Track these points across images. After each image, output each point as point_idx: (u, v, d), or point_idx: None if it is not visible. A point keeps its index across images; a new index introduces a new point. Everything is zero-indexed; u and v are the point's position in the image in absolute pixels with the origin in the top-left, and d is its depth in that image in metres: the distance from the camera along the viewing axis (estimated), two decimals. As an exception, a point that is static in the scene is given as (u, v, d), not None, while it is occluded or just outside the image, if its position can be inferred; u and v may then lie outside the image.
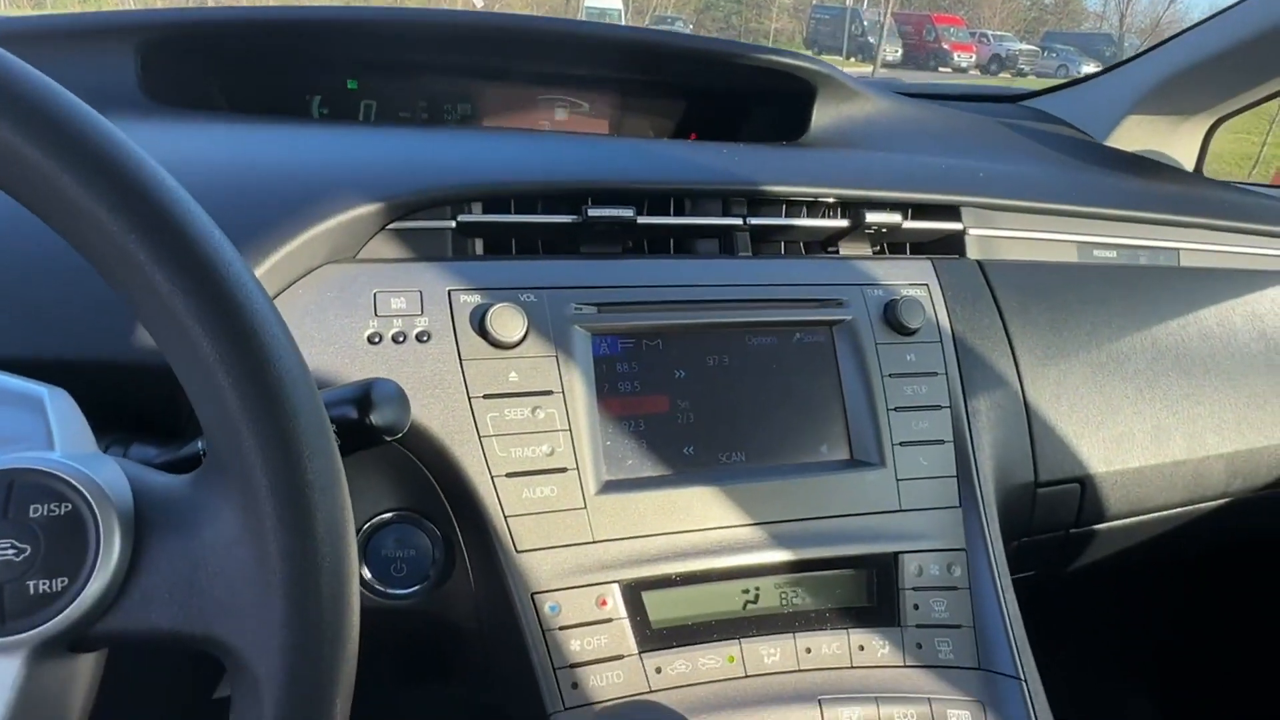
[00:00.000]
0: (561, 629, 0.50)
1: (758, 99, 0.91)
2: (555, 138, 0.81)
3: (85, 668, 0.31)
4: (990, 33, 24.62)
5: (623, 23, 21.18)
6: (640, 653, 0.51)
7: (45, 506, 0.29)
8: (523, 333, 0.54)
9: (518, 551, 0.51)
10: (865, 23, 24.21)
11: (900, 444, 0.60)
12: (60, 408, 0.32)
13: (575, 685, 0.49)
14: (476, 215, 0.59)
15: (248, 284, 0.30)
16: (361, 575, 0.52)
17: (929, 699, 0.52)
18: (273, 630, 0.29)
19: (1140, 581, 1.19)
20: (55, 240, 0.30)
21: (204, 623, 0.30)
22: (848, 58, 20.99)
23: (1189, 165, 1.05)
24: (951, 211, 0.71)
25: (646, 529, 0.53)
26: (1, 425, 0.31)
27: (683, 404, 0.58)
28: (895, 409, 0.61)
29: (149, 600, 0.30)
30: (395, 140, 0.68)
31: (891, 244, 0.72)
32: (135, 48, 0.69)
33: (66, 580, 0.29)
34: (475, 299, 0.55)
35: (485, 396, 0.53)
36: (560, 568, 0.51)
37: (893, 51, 21.46)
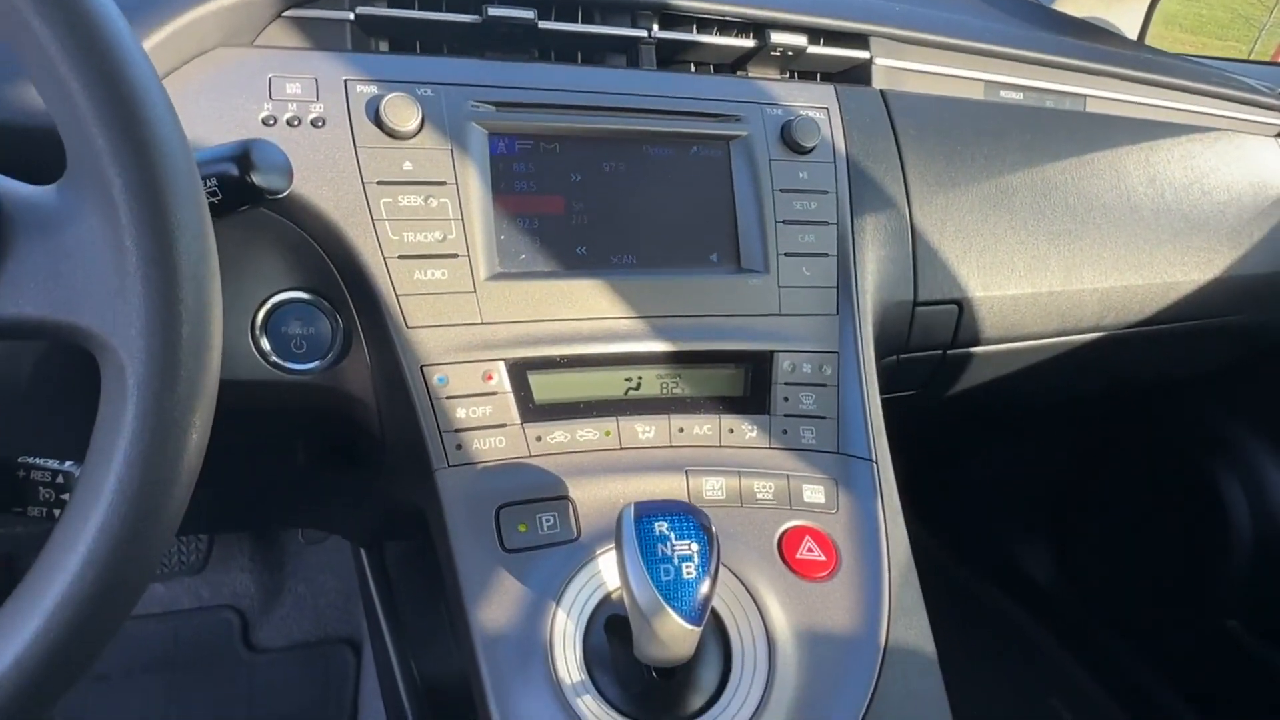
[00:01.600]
0: (449, 398, 0.54)
1: None
2: None
3: None
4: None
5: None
6: (522, 423, 0.55)
7: None
8: (417, 124, 0.55)
9: (408, 327, 0.54)
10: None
11: (785, 254, 0.63)
12: None
13: (459, 447, 0.53)
14: (377, 8, 0.59)
15: (109, 7, 0.32)
16: (263, 350, 0.55)
17: (787, 475, 0.58)
18: (132, 315, 0.32)
19: (1033, 428, 1.27)
20: None
21: (69, 309, 0.33)
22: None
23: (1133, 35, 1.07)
24: (859, 40, 0.72)
25: (534, 315, 0.57)
26: None
27: (577, 206, 0.60)
28: (783, 221, 0.64)
29: (17, 290, 0.33)
30: None
31: (801, 72, 0.74)
32: None
33: None
34: (371, 90, 0.56)
35: (379, 183, 0.55)
36: (449, 344, 0.55)
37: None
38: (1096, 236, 0.77)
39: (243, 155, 0.44)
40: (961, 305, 0.72)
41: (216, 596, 1.27)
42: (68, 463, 0.42)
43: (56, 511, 0.42)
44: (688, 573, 0.43)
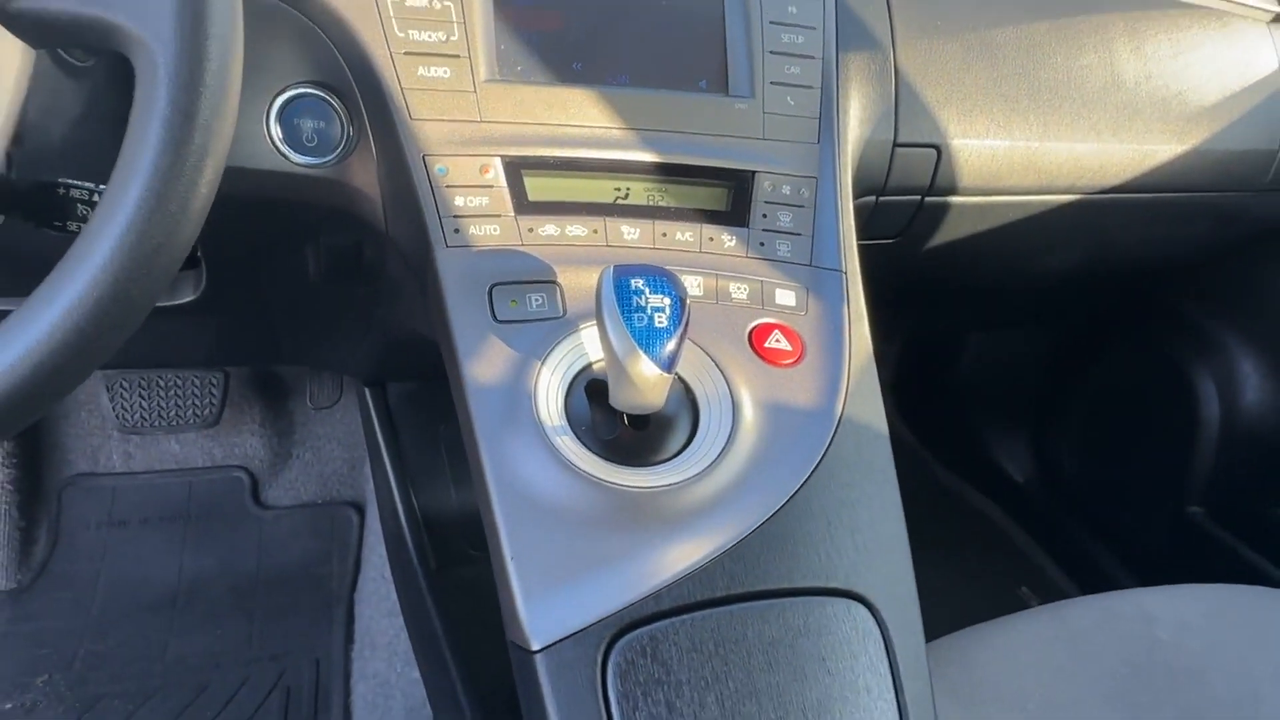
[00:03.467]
0: (448, 187, 0.58)
1: None
2: None
3: (14, 50, 0.38)
4: None
5: None
6: (515, 215, 0.59)
7: None
8: None
9: (412, 119, 0.58)
10: None
11: (772, 83, 0.67)
12: None
13: (457, 231, 0.58)
14: None
15: None
16: (276, 140, 0.59)
17: (761, 280, 0.62)
18: (164, 9, 0.36)
19: (1012, 319, 1.31)
20: None
21: (101, 4, 0.37)
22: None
23: None
24: None
25: (530, 119, 0.61)
26: None
27: (575, 23, 0.64)
28: (771, 52, 0.67)
29: None
30: None
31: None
32: None
33: None
34: None
35: None
36: (449, 137, 0.59)
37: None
38: (1077, 98, 0.80)
39: None
40: (940, 150, 0.75)
41: (229, 457, 1.33)
42: (103, 186, 0.46)
43: None
44: (659, 322, 0.48)
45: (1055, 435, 1.42)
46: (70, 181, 0.46)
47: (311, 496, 1.35)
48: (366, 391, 1.04)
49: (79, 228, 0.46)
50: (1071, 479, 1.40)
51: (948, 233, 0.84)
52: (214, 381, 1.27)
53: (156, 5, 0.36)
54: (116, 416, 1.23)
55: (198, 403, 1.28)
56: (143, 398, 1.22)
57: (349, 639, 1.15)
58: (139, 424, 1.24)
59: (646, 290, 0.48)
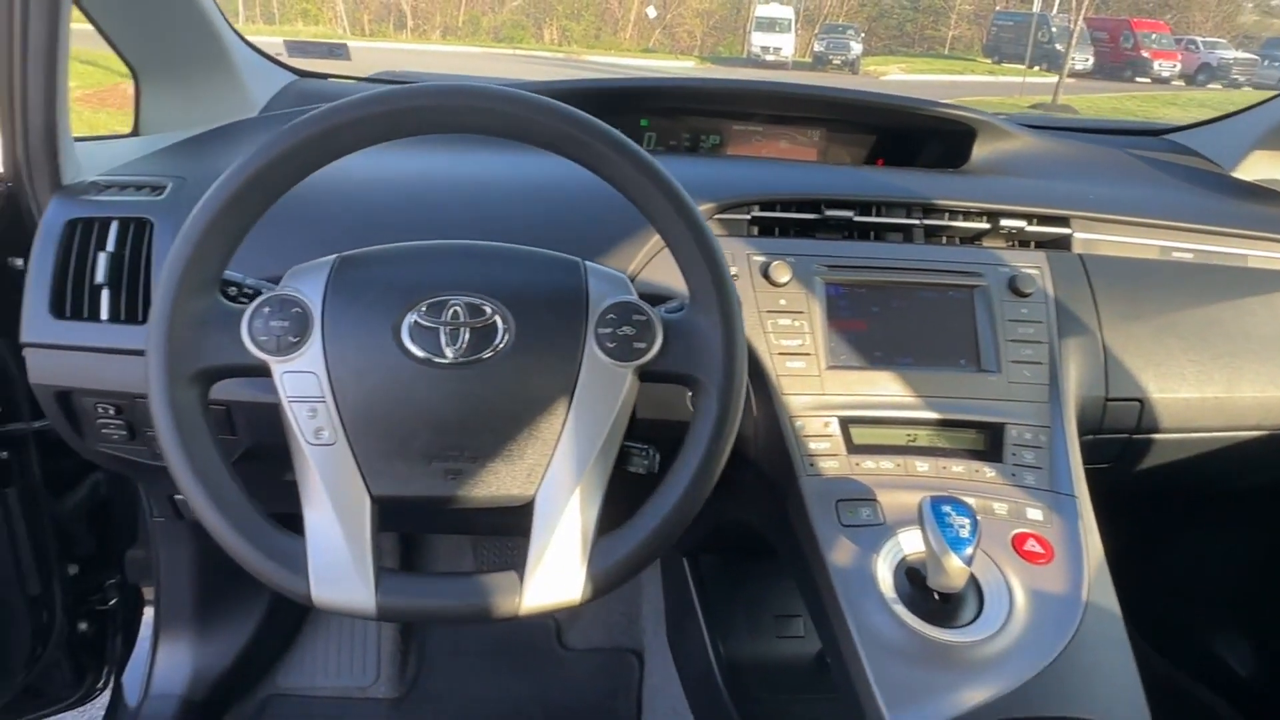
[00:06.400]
0: (803, 436, 0.92)
1: (931, 135, 1.30)
2: (802, 166, 1.24)
3: (633, 383, 0.76)
4: (1200, 39, 22.67)
5: (792, 32, 21.38)
6: (848, 454, 0.92)
7: (631, 327, 0.74)
8: (788, 278, 0.97)
9: (782, 394, 0.94)
10: (1054, 29, 22.92)
11: (1012, 361, 0.98)
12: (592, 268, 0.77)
13: (811, 465, 0.91)
14: (769, 212, 1.03)
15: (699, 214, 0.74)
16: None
17: (1015, 501, 0.90)
18: (719, 369, 0.73)
19: (1224, 519, 1.45)
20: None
21: (691, 366, 0.74)
22: (1031, 66, 20.09)
23: None
24: (1063, 221, 1.08)
25: (853, 391, 0.95)
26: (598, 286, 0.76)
27: (876, 327, 0.99)
28: (1010, 340, 0.99)
29: (670, 357, 0.75)
30: (720, 167, 1.13)
31: (1020, 240, 1.09)
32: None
33: (645, 345, 0.74)
34: (761, 258, 0.98)
35: (767, 312, 0.96)
36: (804, 406, 0.94)
37: (1083, 60, 20.29)
38: (1252, 358, 1.05)
39: None
40: (1142, 402, 1.02)
41: None
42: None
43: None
44: (963, 533, 0.77)
45: (1276, 628, 1.50)
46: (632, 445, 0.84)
47: (599, 643, 1.67)
48: (685, 560, 1.37)
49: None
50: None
51: (1154, 459, 1.08)
52: (482, 542, 1.65)
53: (716, 367, 0.73)
54: (410, 563, 1.64)
55: (467, 556, 1.66)
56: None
57: None
58: (424, 569, 1.64)
59: (952, 513, 0.78)
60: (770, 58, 20.64)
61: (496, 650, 1.63)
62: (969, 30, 27.66)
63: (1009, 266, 1.02)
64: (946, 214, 1.07)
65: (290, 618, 1.58)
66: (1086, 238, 1.08)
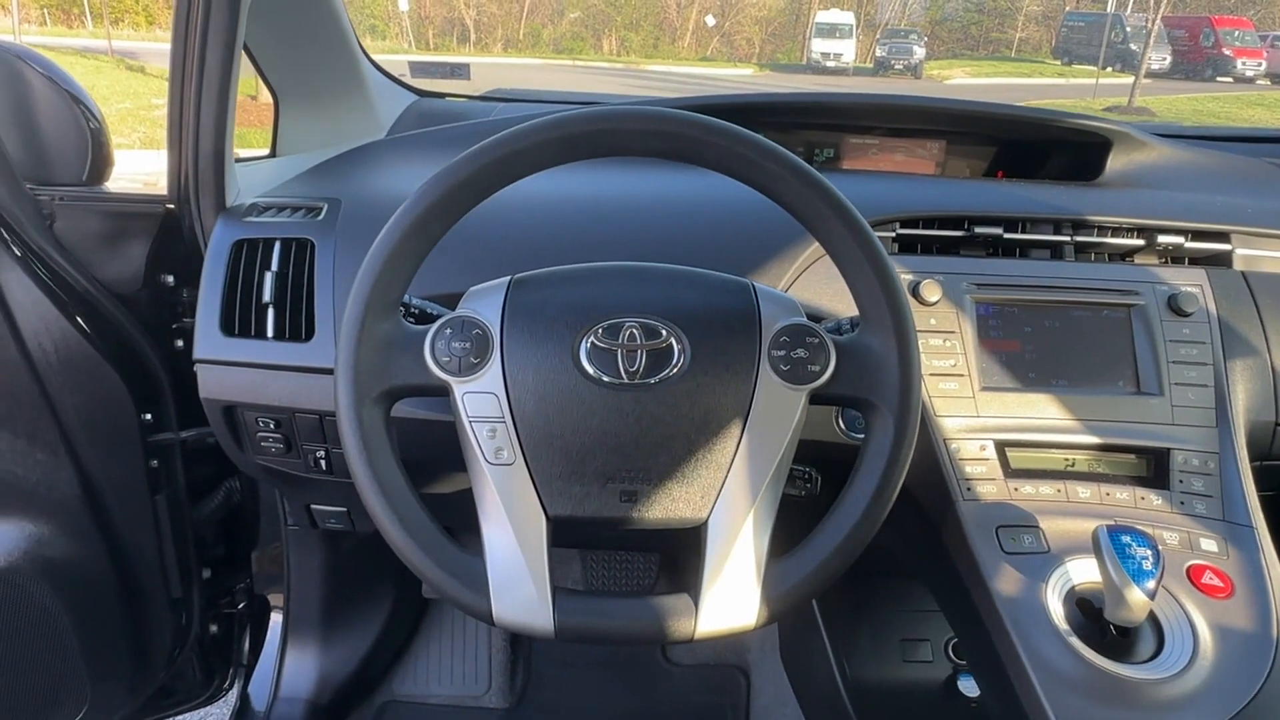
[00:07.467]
0: (959, 460, 0.90)
1: (1056, 147, 1.26)
2: (939, 181, 1.21)
3: (805, 406, 0.75)
4: (1286, 35, 21.64)
5: (853, 37, 21.12)
6: (1005, 478, 0.90)
7: (804, 349, 0.73)
8: (938, 297, 0.95)
9: (935, 416, 0.92)
10: (1127, 29, 22.17)
11: (1175, 384, 0.94)
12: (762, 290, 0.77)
13: (969, 490, 0.89)
14: (911, 229, 1.01)
15: (874, 235, 0.73)
16: (841, 428, 0.95)
17: (1187, 531, 0.86)
18: (895, 392, 0.72)
19: None
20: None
21: (867, 390, 0.73)
22: (1104, 68, 19.45)
23: None
24: (1223, 236, 1.03)
25: (1008, 414, 0.92)
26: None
27: (1029, 347, 0.96)
28: (1173, 362, 0.95)
29: (843, 381, 0.74)
30: (858, 183, 1.12)
31: (1174, 258, 1.05)
32: None
33: (819, 368, 0.73)
34: (910, 276, 0.96)
35: (918, 331, 0.94)
36: (958, 428, 0.91)
37: (1159, 60, 19.54)
38: None
39: None
40: None
41: None
42: None
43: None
44: (1146, 565, 0.74)
45: None
46: None
47: (705, 659, 1.66)
48: None
49: None
50: None
51: (1324, 486, 1.02)
52: (653, 560, 1.66)
53: (892, 390, 0.72)
54: (585, 580, 1.65)
55: (640, 574, 1.67)
56: (606, 568, 1.64)
57: None
58: (598, 588, 1.65)
59: (1133, 544, 0.75)
60: (830, 64, 20.43)
61: (603, 663, 1.64)
62: (1037, 32, 26.95)
63: (1167, 285, 0.98)
64: (1096, 230, 1.04)
65: (406, 626, 1.61)
66: (1248, 254, 1.03)
